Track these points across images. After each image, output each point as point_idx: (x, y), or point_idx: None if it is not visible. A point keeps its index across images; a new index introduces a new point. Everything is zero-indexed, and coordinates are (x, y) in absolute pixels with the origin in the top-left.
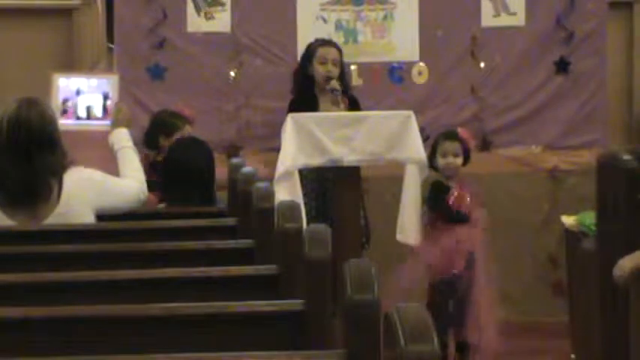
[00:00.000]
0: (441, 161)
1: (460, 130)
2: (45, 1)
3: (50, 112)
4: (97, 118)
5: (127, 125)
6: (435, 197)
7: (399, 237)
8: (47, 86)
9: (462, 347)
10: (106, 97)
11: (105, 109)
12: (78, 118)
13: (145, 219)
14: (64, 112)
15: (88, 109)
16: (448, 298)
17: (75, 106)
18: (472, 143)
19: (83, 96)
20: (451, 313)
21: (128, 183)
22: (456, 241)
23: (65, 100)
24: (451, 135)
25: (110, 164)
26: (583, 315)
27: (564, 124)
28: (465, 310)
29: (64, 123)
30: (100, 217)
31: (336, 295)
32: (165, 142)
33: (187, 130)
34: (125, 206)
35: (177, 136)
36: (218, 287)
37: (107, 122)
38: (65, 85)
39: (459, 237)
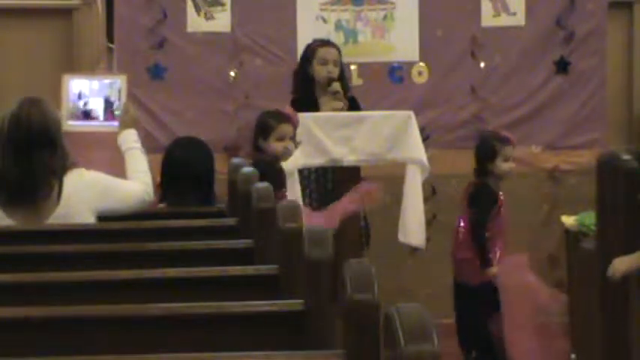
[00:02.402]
0: (504, 166)
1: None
2: (45, 1)
3: (52, 111)
4: (98, 120)
5: (135, 126)
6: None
7: (400, 238)
8: (57, 87)
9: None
10: (106, 100)
11: (106, 111)
12: (97, 120)
13: (145, 219)
14: (84, 113)
15: (89, 111)
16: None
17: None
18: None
19: (84, 99)
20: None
21: (131, 185)
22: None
23: (86, 103)
24: (509, 139)
25: (120, 166)
26: (583, 315)
27: (564, 124)
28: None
29: (75, 124)
30: (101, 217)
31: (336, 295)
32: (264, 145)
33: (285, 130)
34: (128, 208)
35: (274, 137)
36: (218, 287)
37: (116, 123)
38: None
39: None
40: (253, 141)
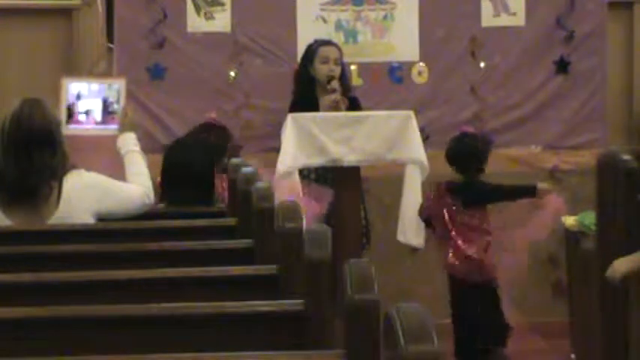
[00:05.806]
0: None
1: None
2: (45, 1)
3: (53, 112)
4: (97, 123)
5: (134, 129)
6: None
7: (400, 238)
8: (57, 90)
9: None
10: (105, 102)
11: (104, 113)
12: (95, 123)
13: (145, 219)
14: (83, 114)
15: (87, 113)
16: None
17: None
18: None
19: (83, 100)
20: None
21: (132, 188)
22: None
23: (85, 104)
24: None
25: (119, 169)
26: (583, 315)
27: (564, 124)
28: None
29: (75, 128)
30: (100, 219)
31: (336, 295)
32: None
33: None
34: (127, 211)
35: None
36: (218, 287)
37: (115, 126)
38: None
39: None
40: None
